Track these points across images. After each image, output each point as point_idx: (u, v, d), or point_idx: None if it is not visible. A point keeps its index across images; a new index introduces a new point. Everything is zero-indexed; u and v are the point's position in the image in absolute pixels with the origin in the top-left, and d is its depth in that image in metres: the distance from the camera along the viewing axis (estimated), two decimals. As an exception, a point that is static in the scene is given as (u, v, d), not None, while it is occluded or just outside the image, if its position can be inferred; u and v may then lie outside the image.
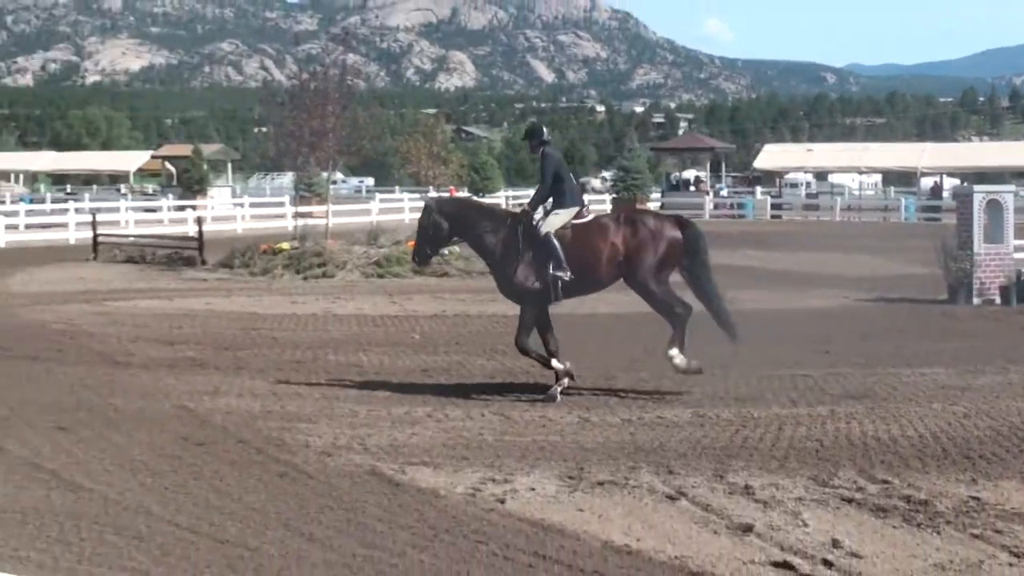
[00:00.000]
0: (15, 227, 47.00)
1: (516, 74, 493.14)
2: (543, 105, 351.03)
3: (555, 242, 13.58)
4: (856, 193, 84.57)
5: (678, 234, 13.83)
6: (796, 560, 7.76)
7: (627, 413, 12.58)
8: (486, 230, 14.01)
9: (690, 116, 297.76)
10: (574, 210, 13.94)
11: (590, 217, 14.14)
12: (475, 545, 8.19)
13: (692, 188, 74.24)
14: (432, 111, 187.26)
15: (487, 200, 67.75)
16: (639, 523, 8.66)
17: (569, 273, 13.50)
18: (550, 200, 13.97)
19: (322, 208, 38.58)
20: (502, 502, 9.25)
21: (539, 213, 13.98)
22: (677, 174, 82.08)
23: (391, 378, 14.84)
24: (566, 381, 13.49)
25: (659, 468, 10.20)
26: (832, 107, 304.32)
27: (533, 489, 9.62)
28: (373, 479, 9.94)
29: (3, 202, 71.42)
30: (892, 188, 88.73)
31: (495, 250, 13.95)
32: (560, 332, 13.98)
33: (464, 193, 70.20)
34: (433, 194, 59.23)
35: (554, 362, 13.66)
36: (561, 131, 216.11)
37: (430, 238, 14.46)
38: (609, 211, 13.79)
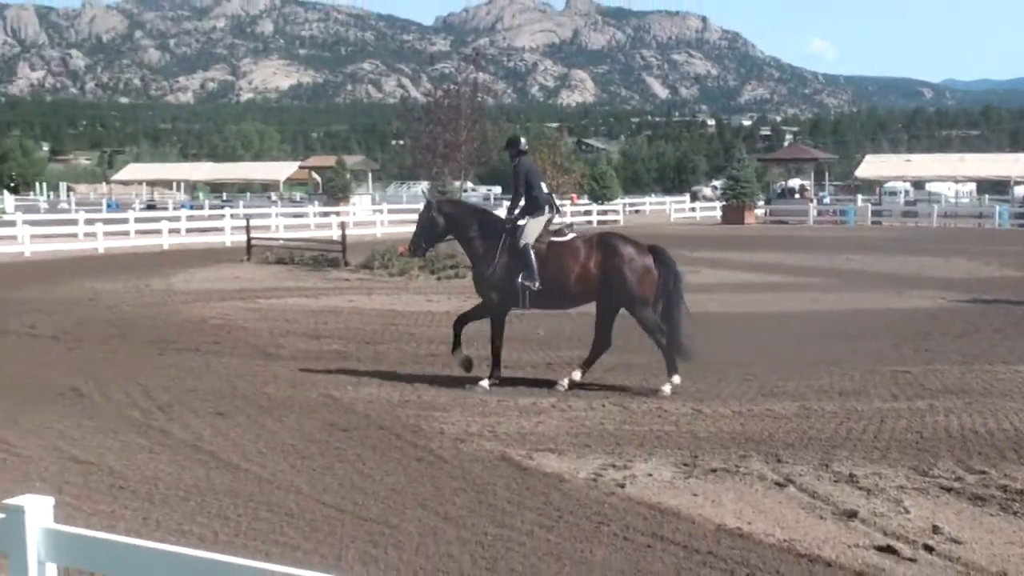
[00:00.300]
0: (177, 231, 47.96)
1: (632, 90, 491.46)
2: (657, 119, 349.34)
3: (532, 254, 13.60)
4: (952, 201, 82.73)
5: (651, 262, 13.61)
6: (899, 545, 7.63)
7: (737, 405, 12.44)
8: (475, 233, 14.12)
9: (795, 129, 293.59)
10: (544, 218, 13.95)
11: (569, 237, 13.95)
12: (597, 526, 8.17)
13: (797, 196, 73.24)
14: (554, 125, 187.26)
15: (605, 206, 67.93)
16: (750, 508, 8.57)
17: (538, 284, 13.53)
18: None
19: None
20: (622, 487, 9.21)
21: (523, 220, 13.88)
22: (783, 183, 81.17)
23: (518, 371, 14.83)
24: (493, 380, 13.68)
25: (768, 457, 10.08)
26: (929, 120, 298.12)
27: (650, 475, 9.58)
28: (502, 464, 9.95)
29: (166, 208, 73.15)
30: (986, 196, 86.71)
31: (479, 250, 14.07)
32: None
33: (584, 200, 70.20)
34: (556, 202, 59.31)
35: (458, 351, 14.09)
36: (674, 143, 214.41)
37: (427, 232, 14.54)
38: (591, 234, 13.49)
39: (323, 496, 8.96)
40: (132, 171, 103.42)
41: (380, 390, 13.42)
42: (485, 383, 13.56)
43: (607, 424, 11.61)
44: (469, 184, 38.75)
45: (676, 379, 13.35)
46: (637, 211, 79.46)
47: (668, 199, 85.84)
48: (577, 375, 13.64)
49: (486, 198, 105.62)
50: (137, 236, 46.04)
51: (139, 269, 32.88)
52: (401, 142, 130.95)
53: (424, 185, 77.68)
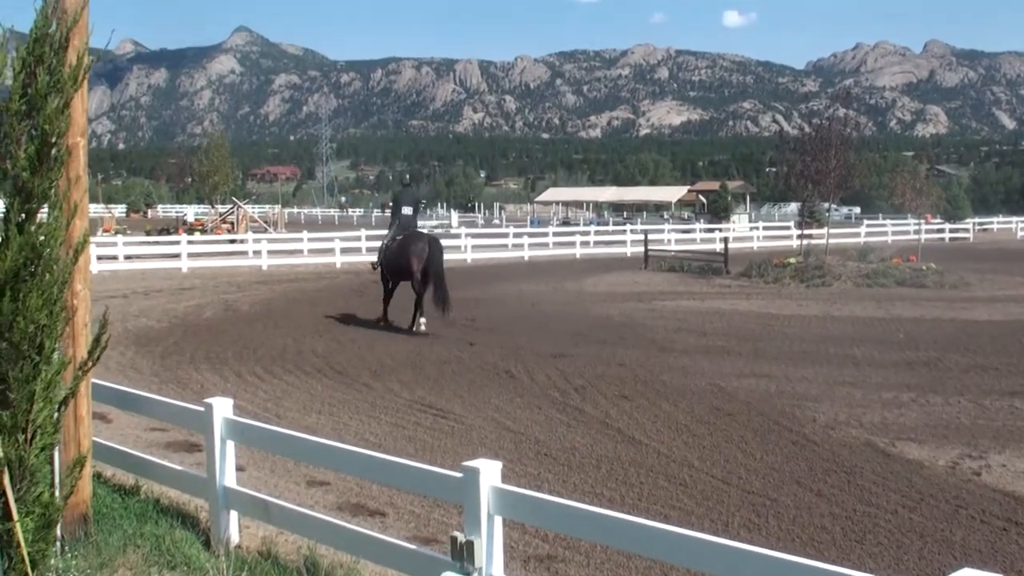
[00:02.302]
0: (587, 243, 49.09)
1: (982, 122, 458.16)
2: (1005, 148, 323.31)
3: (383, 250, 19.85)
4: None
5: (417, 248, 18.58)
6: None
7: (1096, 411, 11.31)
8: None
9: None
10: (391, 233, 19.66)
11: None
12: (955, 509, 7.71)
13: None
14: (910, 153, 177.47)
15: (956, 224, 63.84)
16: (1111, 507, 7.77)
17: (378, 267, 20.04)
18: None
19: (821, 231, 37.57)
20: (978, 475, 8.64)
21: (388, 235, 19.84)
22: None
23: (880, 368, 14.20)
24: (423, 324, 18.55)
25: None
26: None
27: (1004, 466, 8.95)
28: (868, 449, 9.55)
29: (578, 224, 74.97)
30: None
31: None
32: None
33: (938, 220, 66.30)
34: (913, 222, 56.29)
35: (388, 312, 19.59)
36: (1021, 169, 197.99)
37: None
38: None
39: (712, 470, 8.91)
40: (551, 194, 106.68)
41: (759, 382, 13.20)
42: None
43: (962, 418, 10.90)
44: (834, 205, 37.41)
45: (423, 321, 18.63)
46: (985, 229, 74.35)
47: (1015, 219, 79.71)
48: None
49: (848, 217, 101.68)
50: (555, 247, 47.53)
51: (557, 274, 33.91)
52: (775, 169, 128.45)
53: (794, 205, 75.59)
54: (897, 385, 12.88)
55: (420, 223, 22.00)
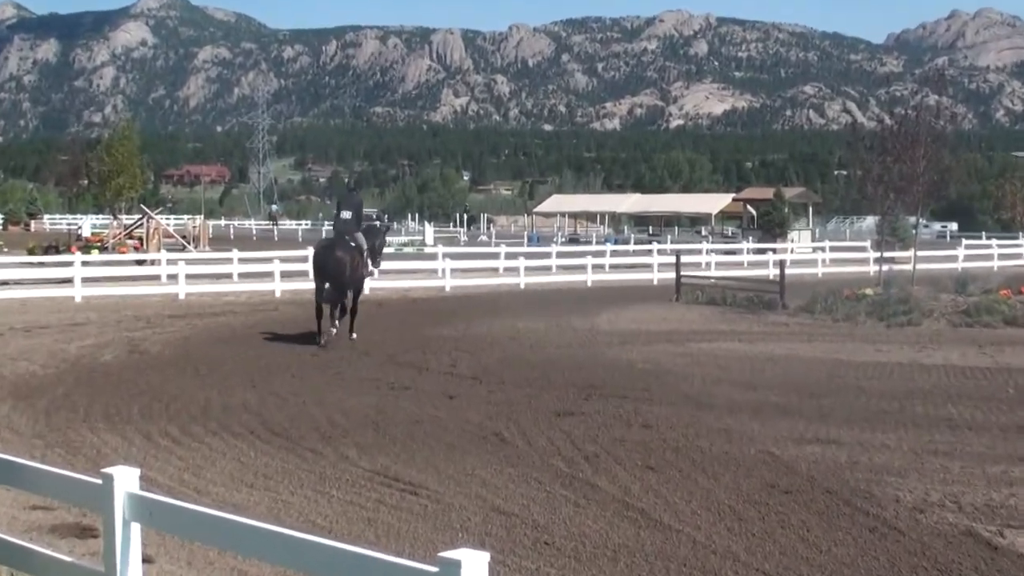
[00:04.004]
0: (601, 267, 49.21)
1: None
2: None
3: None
4: None
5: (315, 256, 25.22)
6: None
7: None
8: None
9: None
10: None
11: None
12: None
13: None
14: (1022, 154, 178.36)
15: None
16: None
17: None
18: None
19: (906, 253, 37.73)
20: (1115, 578, 8.60)
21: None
22: None
23: (984, 433, 14.20)
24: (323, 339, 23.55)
25: None
26: None
27: None
28: (968, 540, 9.53)
29: (589, 242, 75.23)
30: None
31: None
32: None
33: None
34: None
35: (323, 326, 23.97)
36: None
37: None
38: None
39: (763, 565, 8.87)
40: (555, 203, 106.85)
41: (825, 449, 13.17)
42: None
43: (1090, 502, 10.88)
44: (923, 220, 37.39)
45: (333, 330, 23.78)
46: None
47: None
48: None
49: (941, 235, 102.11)
50: (560, 272, 47.65)
51: (561, 307, 33.93)
52: (846, 173, 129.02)
53: (871, 219, 75.79)
54: (1006, 456, 12.87)
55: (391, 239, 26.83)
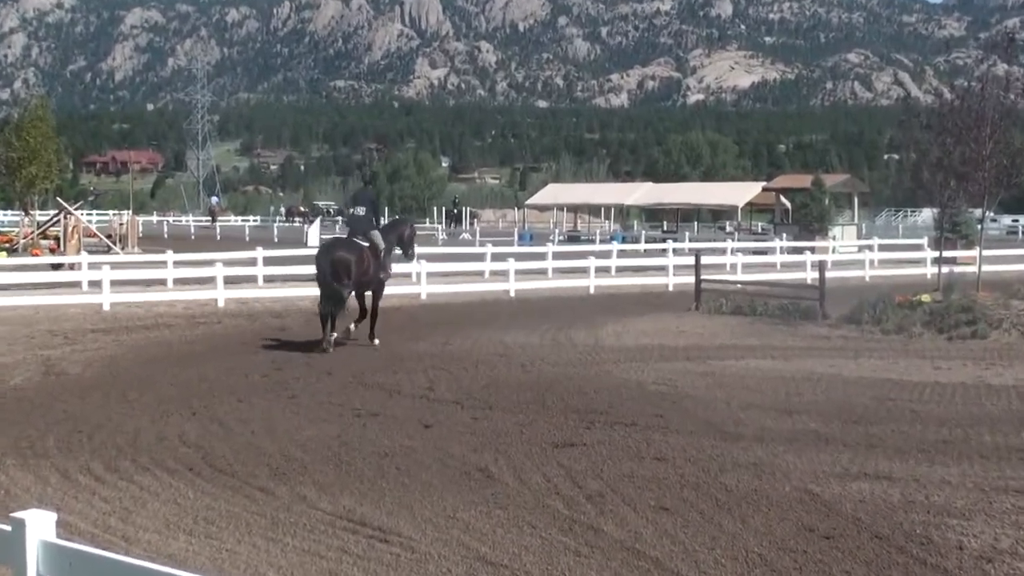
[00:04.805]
0: (606, 270, 49.22)
1: None
2: None
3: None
4: None
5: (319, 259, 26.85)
6: None
7: None
8: None
9: None
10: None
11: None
12: None
13: None
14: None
15: None
16: None
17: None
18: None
19: (970, 253, 37.80)
20: None
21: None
22: None
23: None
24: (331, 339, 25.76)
25: None
26: None
27: None
28: (1045, 595, 9.55)
29: (592, 240, 75.27)
30: None
31: None
32: None
33: None
34: None
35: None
36: None
37: None
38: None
39: (801, 624, 8.87)
40: (550, 193, 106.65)
41: (874, 486, 13.20)
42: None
43: None
44: (989, 213, 37.38)
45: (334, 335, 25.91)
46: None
47: None
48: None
49: (1012, 231, 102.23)
50: (557, 276, 47.66)
51: (559, 317, 33.92)
52: (897, 157, 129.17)
53: (928, 212, 75.88)
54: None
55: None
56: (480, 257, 49.05)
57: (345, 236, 27.69)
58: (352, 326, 26.74)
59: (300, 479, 13.73)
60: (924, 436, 16.26)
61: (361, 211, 26.88)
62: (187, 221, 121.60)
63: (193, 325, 32.07)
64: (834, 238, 72.43)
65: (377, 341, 26.82)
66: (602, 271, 48.26)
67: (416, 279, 41.89)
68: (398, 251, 28.71)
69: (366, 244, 26.35)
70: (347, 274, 25.70)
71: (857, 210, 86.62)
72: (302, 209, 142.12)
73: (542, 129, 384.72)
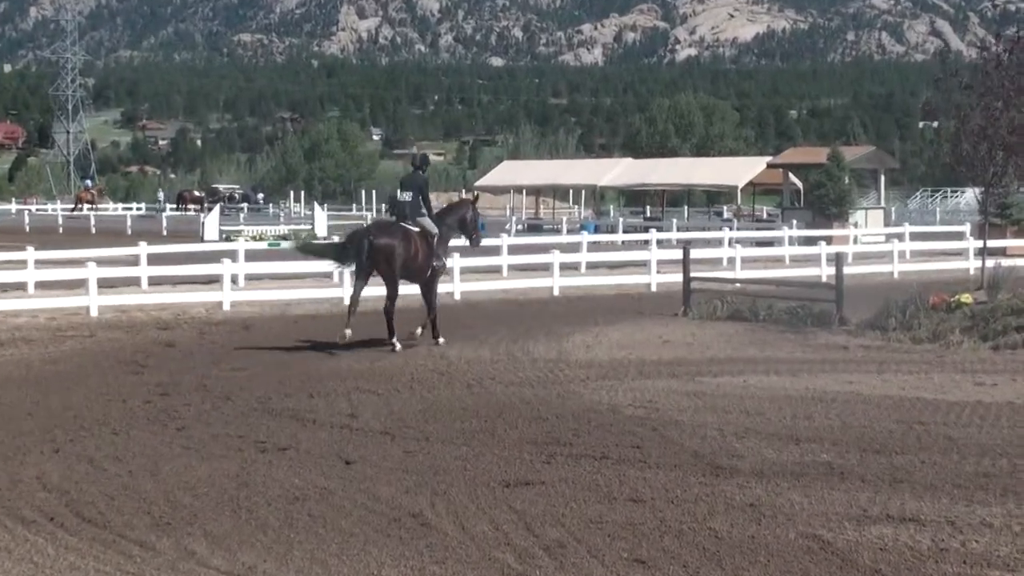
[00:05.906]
0: (575, 266, 49.29)
1: None
2: None
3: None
4: None
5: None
6: None
7: None
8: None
9: None
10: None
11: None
12: None
13: None
14: None
15: None
16: None
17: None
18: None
19: (1021, 243, 37.99)
20: None
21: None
22: None
23: None
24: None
25: None
26: None
27: None
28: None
29: (557, 230, 75.40)
30: None
31: None
32: None
33: None
34: None
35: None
36: None
37: None
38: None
39: None
40: (506, 172, 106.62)
41: (899, 530, 13.26)
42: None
43: None
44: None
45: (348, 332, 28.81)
46: None
47: None
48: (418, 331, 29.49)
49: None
50: (512, 275, 47.71)
51: (515, 325, 34.04)
52: (934, 125, 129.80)
53: (970, 193, 76.14)
54: None
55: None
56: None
57: (386, 221, 31.09)
58: (418, 330, 29.91)
59: (188, 530, 13.70)
60: (961, 468, 16.32)
61: (408, 196, 29.50)
62: (54, 210, 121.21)
63: (59, 339, 31.98)
64: (855, 225, 72.73)
65: (443, 340, 29.81)
66: (569, 268, 48.38)
67: (337, 279, 41.75)
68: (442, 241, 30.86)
69: (416, 229, 29.10)
70: (388, 263, 28.87)
71: (884, 191, 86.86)
72: (197, 195, 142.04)
73: (496, 93, 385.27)
